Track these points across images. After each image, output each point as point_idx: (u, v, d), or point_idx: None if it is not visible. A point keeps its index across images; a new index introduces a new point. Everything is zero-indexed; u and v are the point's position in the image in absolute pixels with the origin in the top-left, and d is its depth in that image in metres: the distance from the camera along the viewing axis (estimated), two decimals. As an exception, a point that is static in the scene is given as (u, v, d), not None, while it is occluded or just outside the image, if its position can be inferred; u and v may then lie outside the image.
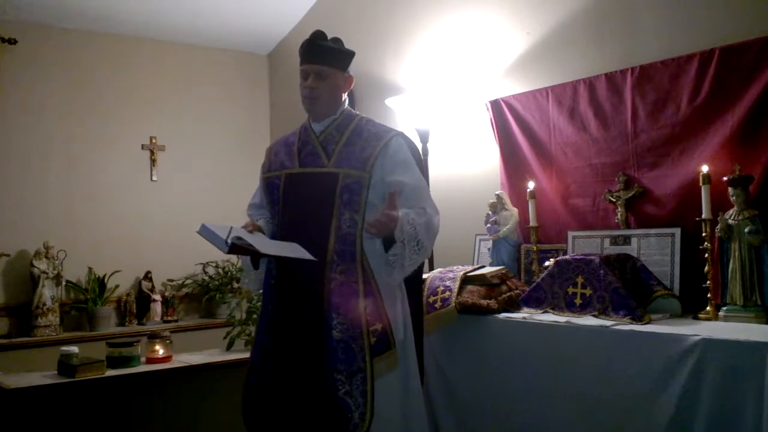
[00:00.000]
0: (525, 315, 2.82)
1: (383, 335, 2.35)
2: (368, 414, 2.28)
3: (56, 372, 3.19)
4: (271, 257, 2.47)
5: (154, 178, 5.25)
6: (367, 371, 2.30)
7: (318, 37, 2.52)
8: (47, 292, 4.57)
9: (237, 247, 2.29)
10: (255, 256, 2.41)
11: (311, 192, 2.40)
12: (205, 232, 2.34)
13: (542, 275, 2.91)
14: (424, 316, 2.95)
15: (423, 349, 2.64)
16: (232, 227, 2.32)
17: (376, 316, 2.36)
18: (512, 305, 2.96)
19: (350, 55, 2.56)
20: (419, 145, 3.76)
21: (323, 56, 2.48)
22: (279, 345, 2.44)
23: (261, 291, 2.61)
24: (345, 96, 2.59)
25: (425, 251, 2.36)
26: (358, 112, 2.63)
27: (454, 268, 3.22)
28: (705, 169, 2.66)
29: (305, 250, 2.33)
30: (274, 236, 2.53)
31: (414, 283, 2.62)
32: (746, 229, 2.51)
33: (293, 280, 2.43)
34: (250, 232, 2.43)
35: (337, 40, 2.56)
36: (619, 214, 3.12)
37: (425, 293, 3.04)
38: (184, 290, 5.25)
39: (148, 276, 5.10)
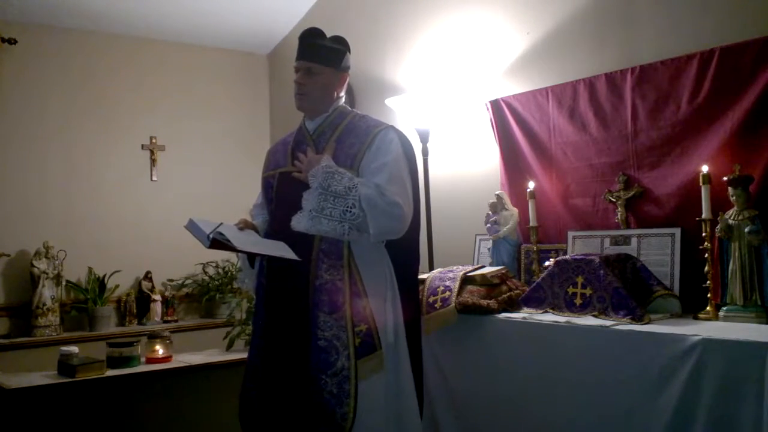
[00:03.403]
0: (525, 315, 2.82)
1: (369, 336, 2.32)
2: (351, 414, 2.25)
3: (56, 372, 3.20)
4: (248, 254, 2.47)
5: (154, 178, 5.25)
6: (351, 372, 2.27)
7: (310, 33, 2.50)
8: (47, 292, 4.57)
9: (217, 243, 2.30)
10: (250, 254, 2.41)
11: (300, 190, 2.36)
12: (192, 227, 2.35)
13: (542, 275, 2.91)
14: (423, 316, 2.95)
15: (422, 353, 2.58)
16: (221, 224, 2.33)
17: (362, 316, 2.33)
18: (512, 305, 2.95)
19: (342, 53, 2.52)
20: (419, 145, 3.76)
21: (313, 53, 2.47)
22: (268, 344, 2.44)
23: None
24: (342, 93, 2.56)
25: (352, 217, 2.27)
26: (353, 109, 2.61)
27: (454, 268, 3.21)
28: (705, 169, 2.66)
29: (290, 249, 2.31)
30: (268, 236, 2.52)
31: (411, 288, 2.59)
32: (746, 229, 2.50)
33: (280, 278, 2.43)
34: (241, 229, 2.44)
35: (337, 39, 2.53)
36: (619, 214, 3.12)
37: (425, 293, 3.04)
38: (184, 290, 5.25)
39: (148, 276, 5.10)
